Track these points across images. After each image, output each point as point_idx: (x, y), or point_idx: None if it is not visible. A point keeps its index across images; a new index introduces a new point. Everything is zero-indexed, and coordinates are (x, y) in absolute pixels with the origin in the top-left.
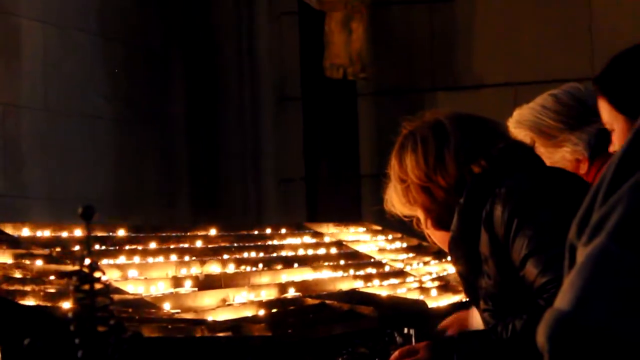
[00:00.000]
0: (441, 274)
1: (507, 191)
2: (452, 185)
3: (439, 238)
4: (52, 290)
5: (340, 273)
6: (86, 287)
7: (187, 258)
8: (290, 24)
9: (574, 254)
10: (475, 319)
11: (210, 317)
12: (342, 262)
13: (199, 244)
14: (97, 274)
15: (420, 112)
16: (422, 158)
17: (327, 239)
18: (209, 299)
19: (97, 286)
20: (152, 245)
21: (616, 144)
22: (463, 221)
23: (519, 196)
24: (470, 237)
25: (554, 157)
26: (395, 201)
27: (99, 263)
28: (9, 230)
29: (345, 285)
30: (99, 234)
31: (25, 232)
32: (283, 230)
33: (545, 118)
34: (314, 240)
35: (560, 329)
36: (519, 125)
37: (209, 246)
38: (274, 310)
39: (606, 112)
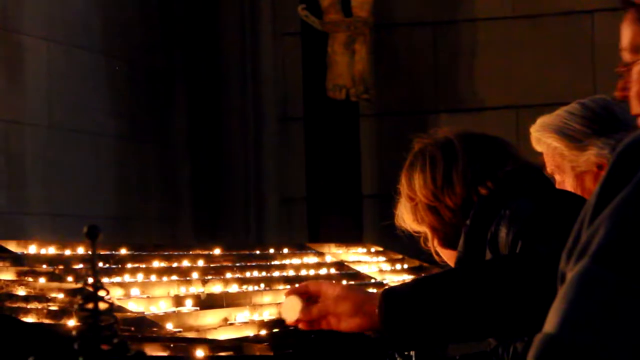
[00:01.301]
0: None
1: (511, 213)
2: (459, 206)
3: (447, 256)
4: (55, 308)
5: None
6: (90, 305)
7: (189, 277)
8: (293, 45)
9: (564, 282)
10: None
11: (212, 337)
12: (343, 282)
13: (201, 263)
14: (101, 293)
15: (433, 129)
16: (430, 178)
17: (328, 259)
18: (210, 318)
19: (102, 305)
20: (155, 264)
21: (634, 85)
22: (469, 242)
23: (523, 218)
24: (476, 258)
25: (578, 160)
26: (406, 217)
27: (102, 281)
28: (12, 247)
29: None
30: (102, 252)
31: (29, 249)
32: (285, 250)
33: (571, 123)
34: (315, 260)
35: (547, 351)
36: (542, 128)
37: (211, 265)
38: (275, 330)
39: (631, 32)
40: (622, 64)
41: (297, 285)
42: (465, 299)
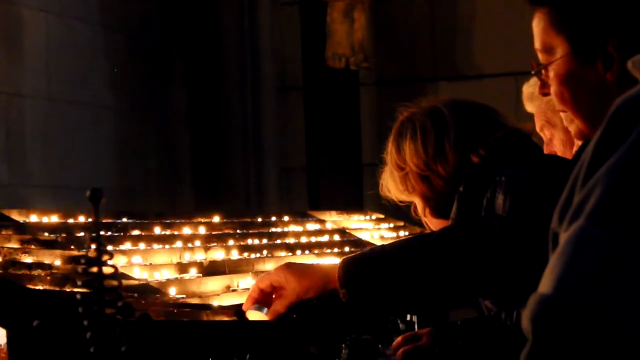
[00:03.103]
0: None
1: (507, 180)
2: (451, 175)
3: (436, 226)
4: (59, 275)
5: None
6: (94, 269)
7: (191, 245)
8: (292, 14)
9: (557, 243)
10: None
11: (215, 303)
12: (345, 249)
13: (203, 230)
14: (105, 257)
15: (417, 99)
16: (422, 147)
17: (330, 227)
18: (213, 284)
19: (106, 269)
20: (157, 231)
21: (553, 85)
22: (462, 208)
23: (520, 185)
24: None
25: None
26: (392, 187)
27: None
28: (15, 216)
29: None
30: (104, 220)
31: (31, 218)
32: (286, 218)
33: None
34: (317, 228)
35: (542, 311)
36: (536, 83)
37: (213, 233)
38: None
39: (542, 33)
40: (537, 65)
41: (249, 292)
42: (424, 258)
